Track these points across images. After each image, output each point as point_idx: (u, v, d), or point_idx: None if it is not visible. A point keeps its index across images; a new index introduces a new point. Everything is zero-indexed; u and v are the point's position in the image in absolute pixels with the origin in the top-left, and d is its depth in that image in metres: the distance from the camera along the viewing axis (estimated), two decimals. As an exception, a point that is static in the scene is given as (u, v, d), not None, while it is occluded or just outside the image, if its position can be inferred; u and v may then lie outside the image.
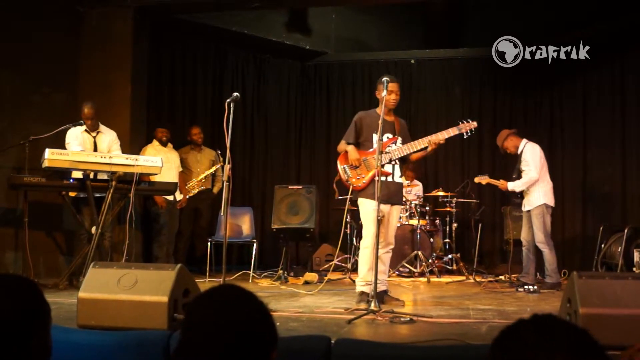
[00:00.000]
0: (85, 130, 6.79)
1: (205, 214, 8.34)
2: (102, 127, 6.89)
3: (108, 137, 6.89)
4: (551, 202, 6.84)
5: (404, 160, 5.55)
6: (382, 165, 4.97)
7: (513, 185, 6.86)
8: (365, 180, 5.26)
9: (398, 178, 5.48)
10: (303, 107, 10.36)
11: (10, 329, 1.52)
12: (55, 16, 7.48)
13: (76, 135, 6.72)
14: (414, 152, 5.39)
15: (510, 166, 7.45)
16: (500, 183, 6.98)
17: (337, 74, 10.32)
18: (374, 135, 5.32)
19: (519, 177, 6.94)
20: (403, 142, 5.43)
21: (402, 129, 5.53)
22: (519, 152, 6.97)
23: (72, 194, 6.33)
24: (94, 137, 6.82)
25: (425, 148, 5.38)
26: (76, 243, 7.12)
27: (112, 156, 6.08)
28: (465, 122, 5.51)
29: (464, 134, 5.48)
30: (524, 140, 7.01)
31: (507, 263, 8.08)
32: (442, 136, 5.34)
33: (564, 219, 9.07)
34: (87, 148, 6.69)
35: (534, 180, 6.76)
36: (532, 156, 6.82)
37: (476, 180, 7.19)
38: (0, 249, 6.91)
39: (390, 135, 5.38)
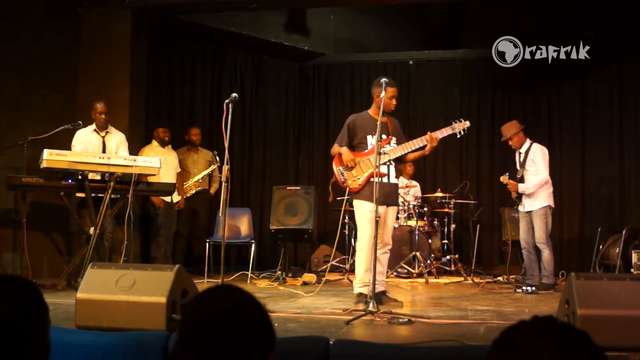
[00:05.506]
0: (94, 130, 6.81)
1: (203, 214, 8.34)
2: (111, 128, 6.92)
3: (116, 138, 6.91)
4: (553, 204, 6.83)
5: (399, 161, 5.57)
6: (378, 166, 4.97)
7: (524, 188, 6.80)
8: (361, 182, 5.27)
9: (393, 179, 5.49)
10: (301, 108, 10.36)
11: (9, 329, 1.51)
12: (54, 17, 7.48)
13: (83, 137, 6.74)
14: (410, 152, 5.41)
15: (509, 167, 7.43)
16: (511, 184, 6.92)
17: (335, 75, 10.33)
18: (369, 137, 5.33)
19: (522, 175, 6.89)
20: (397, 142, 5.44)
21: (396, 129, 5.54)
22: (522, 150, 6.93)
23: (80, 194, 6.33)
24: (103, 138, 6.83)
25: (422, 148, 5.40)
26: (75, 244, 7.13)
27: (110, 157, 6.08)
28: (458, 121, 5.55)
29: (457, 133, 5.52)
30: (529, 140, 6.97)
31: (505, 264, 8.10)
32: (435, 135, 5.36)
33: (562, 220, 9.08)
34: (95, 149, 6.69)
35: (545, 182, 6.74)
36: (542, 158, 6.79)
37: (501, 179, 7.10)
38: (-2, 250, 6.93)
39: (384, 136, 5.38)
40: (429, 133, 5.37)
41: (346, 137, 5.43)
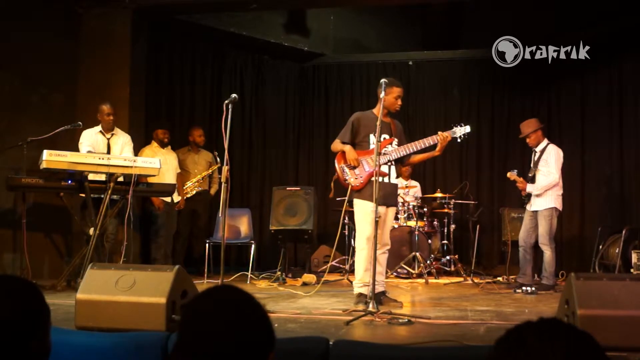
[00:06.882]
0: (100, 131, 6.82)
1: (203, 215, 8.34)
2: (116, 130, 6.93)
3: (121, 140, 6.92)
4: (560, 207, 6.81)
5: (399, 162, 5.57)
6: (379, 166, 4.98)
7: (532, 188, 6.80)
8: (363, 180, 5.27)
9: (394, 179, 5.50)
10: (301, 109, 10.36)
11: (10, 330, 1.52)
12: (54, 17, 7.49)
13: (89, 138, 6.75)
14: (412, 153, 5.41)
15: (510, 167, 7.44)
16: (521, 182, 6.90)
17: (335, 75, 10.33)
18: (371, 135, 5.33)
19: (534, 174, 6.89)
20: (399, 144, 5.45)
21: (398, 131, 5.54)
22: (538, 149, 6.91)
23: (81, 195, 6.33)
24: (108, 139, 6.84)
25: (429, 149, 5.41)
26: (75, 244, 7.13)
27: (110, 157, 6.08)
28: (459, 125, 5.54)
29: (458, 137, 5.52)
30: (546, 140, 6.96)
31: (505, 264, 8.09)
32: (446, 135, 5.36)
33: (562, 220, 9.06)
34: (100, 150, 6.70)
35: (555, 184, 6.73)
36: (556, 160, 6.77)
37: (508, 175, 7.10)
38: (-2, 250, 6.93)
39: (387, 137, 5.39)
40: (439, 132, 5.37)
41: (349, 134, 5.42)
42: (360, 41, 10.38)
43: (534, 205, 6.81)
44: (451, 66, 10.10)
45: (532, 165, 6.97)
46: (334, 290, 6.53)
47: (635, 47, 8.57)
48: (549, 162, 6.77)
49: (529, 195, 6.84)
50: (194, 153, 8.29)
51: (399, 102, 5.37)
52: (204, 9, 8.38)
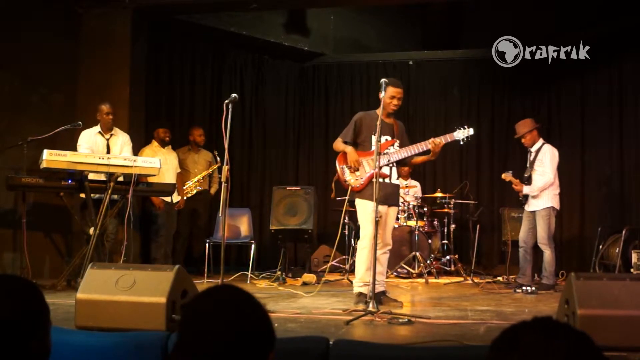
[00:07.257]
0: (99, 132, 6.82)
1: (203, 214, 8.34)
2: (115, 130, 6.93)
3: (120, 140, 6.92)
4: (558, 206, 6.82)
5: (401, 163, 5.56)
6: (380, 167, 4.98)
7: (528, 190, 6.81)
8: (363, 181, 5.27)
9: (395, 180, 5.49)
10: (301, 108, 10.36)
11: (10, 330, 1.52)
12: (54, 17, 7.49)
13: (88, 137, 6.76)
14: (413, 155, 5.40)
15: (510, 167, 7.43)
16: (517, 184, 6.91)
17: (335, 75, 10.32)
18: (373, 136, 5.32)
19: (530, 174, 6.89)
20: (400, 145, 5.44)
21: (400, 132, 5.54)
22: (533, 149, 6.92)
23: (82, 195, 6.33)
24: (107, 140, 6.84)
25: (426, 152, 5.39)
26: (76, 244, 7.13)
27: (110, 157, 6.08)
28: (462, 128, 5.53)
29: (461, 140, 5.50)
30: (542, 140, 6.97)
31: (505, 264, 8.09)
32: (438, 141, 5.34)
33: (562, 220, 9.07)
34: (99, 150, 6.70)
35: (550, 184, 6.73)
36: (551, 160, 6.78)
37: (502, 176, 7.12)
38: (-2, 250, 6.93)
39: (389, 138, 5.39)
40: (432, 139, 5.36)
41: (351, 133, 5.42)
42: (360, 41, 10.38)
43: (532, 205, 6.82)
44: (451, 66, 10.10)
45: (527, 165, 6.99)
46: (334, 290, 6.53)
47: (635, 47, 8.57)
48: (544, 162, 6.79)
49: (526, 196, 6.85)
50: (194, 153, 8.29)
51: (395, 102, 5.32)
52: (204, 9, 8.38)
